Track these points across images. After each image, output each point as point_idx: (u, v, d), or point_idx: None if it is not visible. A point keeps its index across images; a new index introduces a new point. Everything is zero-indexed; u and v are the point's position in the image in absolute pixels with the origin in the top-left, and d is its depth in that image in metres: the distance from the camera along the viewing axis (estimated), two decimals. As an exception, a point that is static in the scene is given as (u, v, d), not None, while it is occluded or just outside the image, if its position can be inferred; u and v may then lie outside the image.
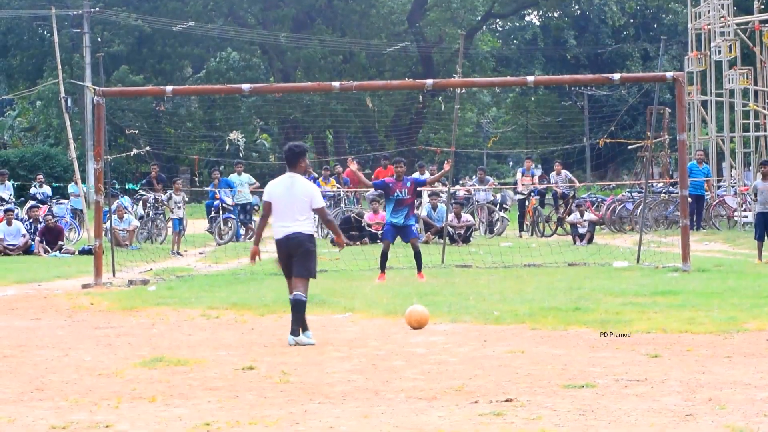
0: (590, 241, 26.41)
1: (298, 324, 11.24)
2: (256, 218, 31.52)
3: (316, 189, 11.70)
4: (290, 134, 58.40)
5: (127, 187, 33.95)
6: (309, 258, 11.35)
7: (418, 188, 20.67)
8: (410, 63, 60.72)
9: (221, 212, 28.73)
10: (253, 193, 30.35)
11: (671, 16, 60.88)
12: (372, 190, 19.77)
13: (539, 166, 57.84)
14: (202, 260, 23.09)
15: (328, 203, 30.63)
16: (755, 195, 21.41)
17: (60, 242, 26.45)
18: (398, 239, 18.58)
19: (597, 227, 28.24)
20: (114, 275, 19.40)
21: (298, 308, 11.22)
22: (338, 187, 30.38)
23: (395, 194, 18.03)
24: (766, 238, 20.37)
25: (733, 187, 32.81)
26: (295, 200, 11.36)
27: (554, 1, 61.61)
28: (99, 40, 55.72)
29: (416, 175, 28.53)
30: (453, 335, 11.77)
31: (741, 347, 10.58)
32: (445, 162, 19.32)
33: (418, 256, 17.98)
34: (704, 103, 35.20)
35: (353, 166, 18.96)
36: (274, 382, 9.24)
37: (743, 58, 34.06)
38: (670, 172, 34.34)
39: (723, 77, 33.80)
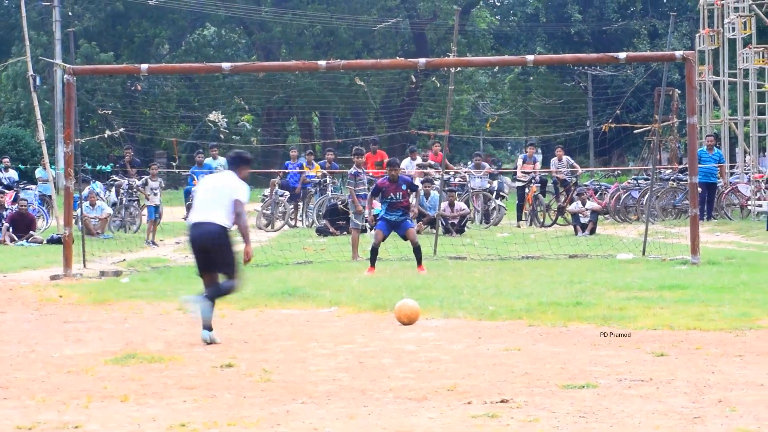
0: (593, 231, 26.42)
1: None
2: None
3: None
4: (273, 116, 58.41)
5: (98, 168, 33.98)
6: None
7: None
8: (402, 40, 60.67)
9: (199, 199, 28.57)
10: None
11: (681, -9, 60.94)
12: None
13: (539, 152, 57.88)
14: (179, 250, 23.05)
15: (313, 190, 30.62)
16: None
17: (31, 231, 26.41)
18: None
19: (600, 217, 28.26)
20: (84, 266, 19.39)
21: None
22: (323, 173, 30.31)
23: (389, 197, 18.52)
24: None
25: (746, 173, 32.82)
26: None
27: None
28: (69, 14, 55.58)
29: (407, 160, 28.75)
30: (445, 331, 11.79)
31: (753, 345, 10.60)
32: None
33: (417, 250, 18.32)
34: (716, 84, 35.23)
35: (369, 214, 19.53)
36: (255, 380, 9.25)
37: (759, 36, 34.01)
38: (680, 158, 34.36)
39: (737, 56, 33.81)
